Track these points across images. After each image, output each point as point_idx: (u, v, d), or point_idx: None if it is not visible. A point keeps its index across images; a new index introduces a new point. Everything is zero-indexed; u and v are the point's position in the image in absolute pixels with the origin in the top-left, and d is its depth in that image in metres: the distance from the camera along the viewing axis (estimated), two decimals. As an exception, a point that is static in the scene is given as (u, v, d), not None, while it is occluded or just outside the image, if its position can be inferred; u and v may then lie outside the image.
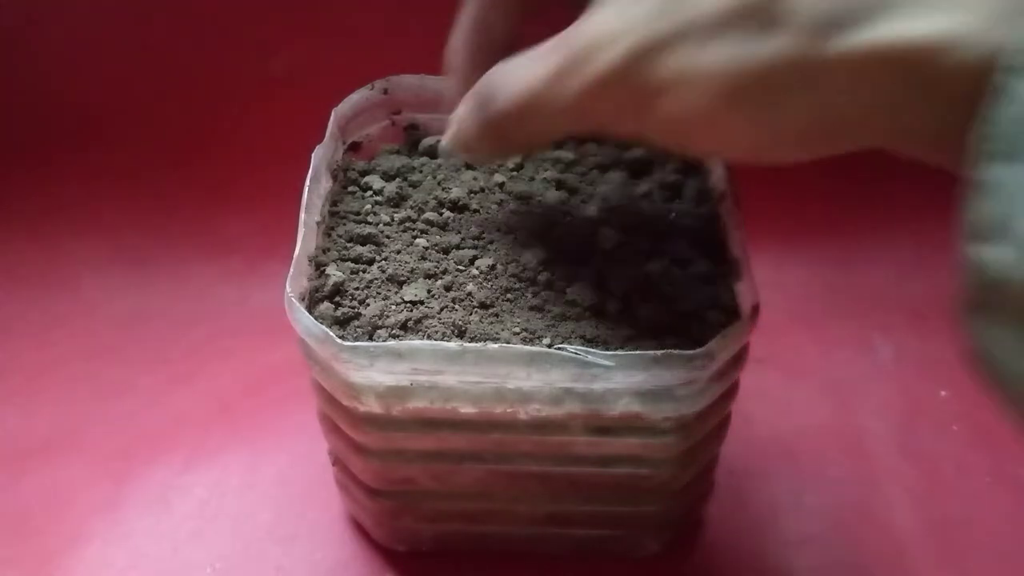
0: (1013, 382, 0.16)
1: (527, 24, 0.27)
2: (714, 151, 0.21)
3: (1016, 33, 0.15)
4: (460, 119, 0.25)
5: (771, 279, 0.37)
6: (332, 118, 0.33)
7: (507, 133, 0.24)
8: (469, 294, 0.28)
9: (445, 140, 0.26)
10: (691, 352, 0.25)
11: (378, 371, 0.25)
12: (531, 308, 0.28)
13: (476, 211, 0.31)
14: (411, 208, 0.31)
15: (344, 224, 0.30)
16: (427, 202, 0.31)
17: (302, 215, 0.29)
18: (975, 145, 0.16)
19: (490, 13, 0.26)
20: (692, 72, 0.19)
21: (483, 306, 0.28)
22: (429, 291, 0.28)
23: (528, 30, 0.26)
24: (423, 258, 0.29)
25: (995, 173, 0.15)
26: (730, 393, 0.29)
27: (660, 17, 0.20)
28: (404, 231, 0.30)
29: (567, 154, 0.33)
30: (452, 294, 0.28)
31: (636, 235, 0.30)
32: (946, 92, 0.17)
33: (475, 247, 0.30)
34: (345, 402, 0.27)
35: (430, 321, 0.27)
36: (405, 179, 0.32)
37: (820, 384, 0.41)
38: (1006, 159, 0.15)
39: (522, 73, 0.23)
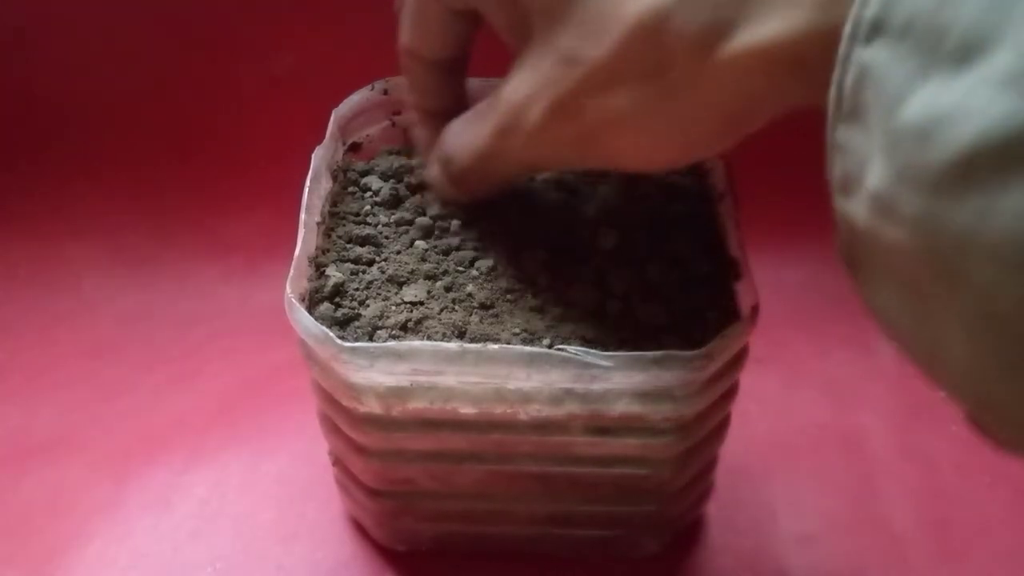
0: (887, 318, 0.18)
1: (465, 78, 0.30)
2: (652, 167, 0.24)
3: (845, 11, 0.17)
4: (433, 179, 0.30)
5: (771, 279, 0.37)
6: (332, 118, 0.33)
7: (472, 184, 0.28)
8: (469, 295, 0.28)
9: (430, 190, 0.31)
10: (691, 353, 0.25)
11: (378, 372, 0.25)
12: (531, 309, 0.28)
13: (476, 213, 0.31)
14: (408, 210, 0.31)
15: (344, 225, 0.30)
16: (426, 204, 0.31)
17: (302, 215, 0.29)
18: (828, 109, 0.18)
19: (430, 81, 0.29)
20: (610, 115, 0.22)
21: (483, 307, 0.28)
22: (429, 292, 0.28)
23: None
24: (423, 259, 0.29)
25: (842, 134, 0.17)
26: (730, 393, 0.29)
27: (563, 78, 0.23)
28: (404, 232, 0.30)
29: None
30: (452, 295, 0.28)
31: (636, 235, 0.30)
32: (812, 72, 0.19)
33: (475, 248, 0.30)
34: (345, 402, 0.27)
35: (430, 322, 0.27)
36: (402, 180, 0.32)
37: (820, 384, 0.41)
38: (850, 120, 0.17)
39: (468, 137, 0.27)
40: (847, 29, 0.17)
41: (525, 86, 0.24)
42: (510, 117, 0.25)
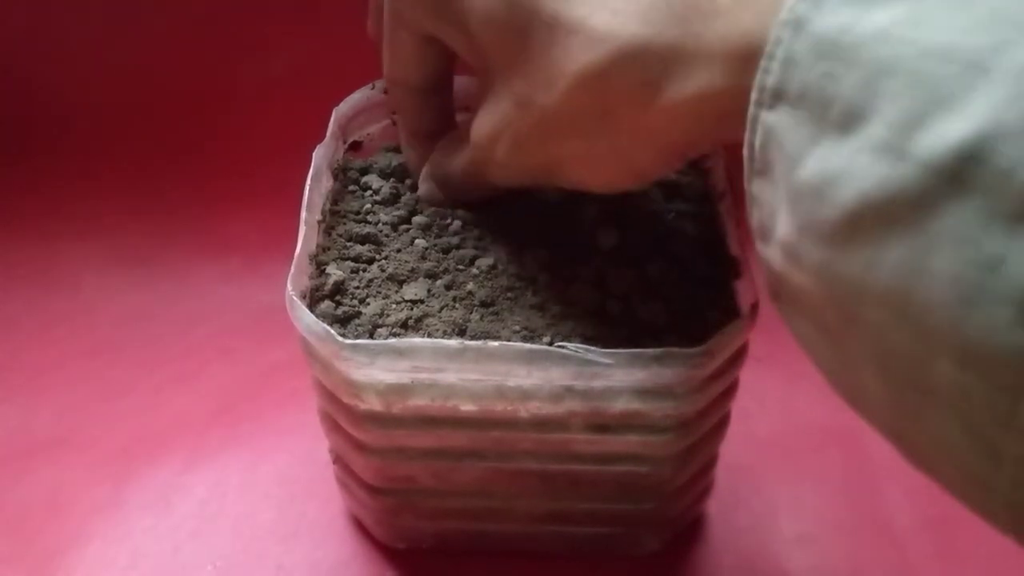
0: (811, 353, 0.21)
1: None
2: (609, 189, 0.26)
3: (758, 81, 0.18)
4: (426, 196, 0.31)
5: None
6: (333, 117, 0.33)
7: (464, 196, 0.31)
8: (470, 293, 0.28)
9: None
10: (691, 350, 0.25)
11: (379, 369, 0.26)
12: (531, 307, 0.28)
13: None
14: (408, 208, 0.31)
15: (344, 223, 0.30)
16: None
17: (303, 214, 0.29)
18: (744, 164, 0.20)
19: (415, 105, 0.31)
20: (564, 152, 0.25)
21: (483, 304, 0.28)
22: (429, 290, 0.28)
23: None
24: (423, 257, 0.29)
25: (756, 187, 0.19)
26: (729, 391, 0.29)
27: (519, 120, 0.25)
28: (404, 231, 0.30)
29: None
30: (452, 293, 0.28)
31: (636, 234, 0.30)
32: (733, 120, 0.20)
33: (476, 247, 0.30)
34: (346, 400, 0.27)
35: (431, 319, 0.27)
36: (403, 180, 0.32)
37: (820, 383, 0.41)
38: (761, 176, 0.19)
39: (453, 165, 0.30)
40: (753, 95, 0.18)
41: (488, 125, 0.26)
42: (479, 152, 0.27)
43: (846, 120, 0.16)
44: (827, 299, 0.18)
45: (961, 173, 0.15)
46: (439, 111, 0.31)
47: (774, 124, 0.18)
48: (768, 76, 0.18)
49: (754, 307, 0.27)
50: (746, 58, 0.19)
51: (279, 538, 0.35)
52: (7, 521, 0.35)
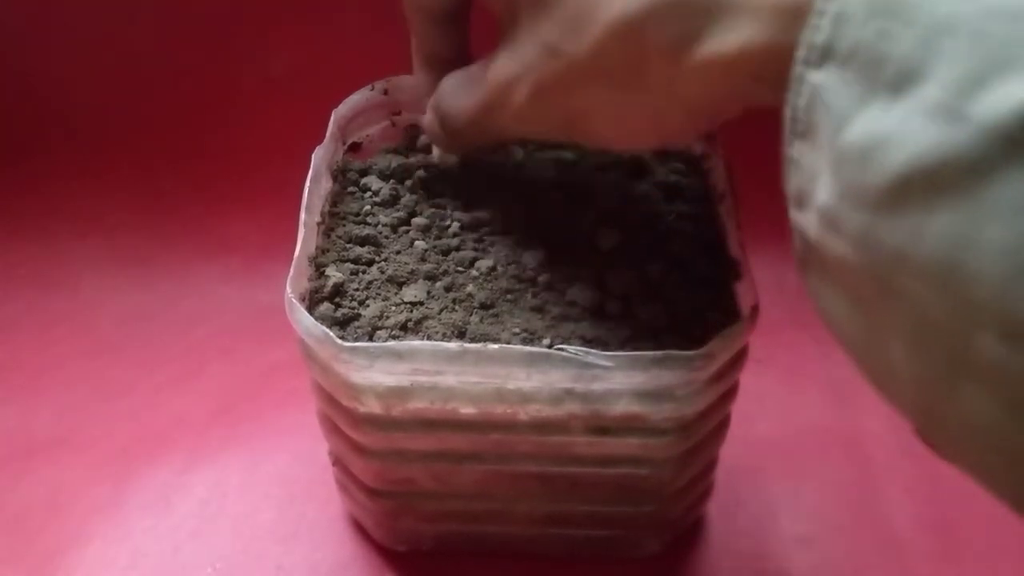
0: (838, 328, 0.20)
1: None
2: (627, 148, 0.26)
3: (798, 35, 0.18)
4: (428, 126, 0.30)
5: (771, 279, 0.37)
6: (332, 119, 0.33)
7: (465, 141, 0.30)
8: (469, 295, 0.28)
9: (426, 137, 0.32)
10: (691, 353, 0.25)
11: (378, 371, 0.25)
12: (531, 309, 0.28)
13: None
14: (408, 210, 0.31)
15: (344, 225, 0.30)
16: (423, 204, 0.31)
17: (302, 215, 0.29)
18: (783, 126, 0.19)
19: (431, 31, 0.30)
20: (588, 105, 0.24)
21: (483, 307, 0.28)
22: (429, 292, 0.28)
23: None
24: (423, 259, 0.29)
25: (796, 150, 0.19)
26: (730, 393, 0.29)
27: (545, 67, 0.24)
28: (404, 232, 0.30)
29: (567, 154, 0.33)
30: (452, 295, 0.28)
31: (636, 235, 0.30)
32: (772, 81, 0.19)
33: (475, 248, 0.30)
34: (345, 402, 0.27)
35: (430, 322, 0.27)
36: (402, 181, 0.32)
37: (820, 384, 0.41)
38: (803, 138, 0.18)
39: (460, 103, 0.28)
40: (800, 52, 0.18)
41: (510, 68, 0.25)
42: (496, 95, 0.26)
43: (899, 80, 0.16)
44: (864, 268, 0.17)
45: (1022, 138, 0.14)
46: (456, 39, 0.30)
47: (821, 83, 0.17)
48: (817, 33, 0.17)
49: (754, 309, 0.27)
50: (794, 13, 0.19)
51: (279, 539, 0.35)
52: (7, 521, 0.35)
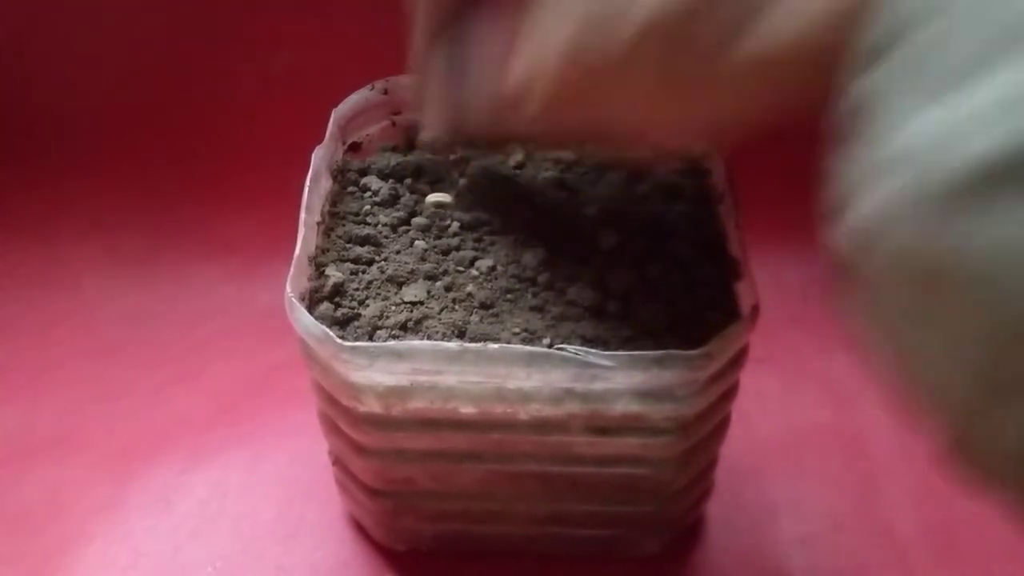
0: (881, 343, 0.18)
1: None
2: (651, 146, 0.25)
3: (863, 33, 0.17)
4: (432, 123, 0.28)
5: (771, 279, 0.37)
6: (332, 119, 0.33)
7: (479, 133, 0.28)
8: (469, 294, 0.28)
9: (424, 136, 0.30)
10: (691, 352, 0.25)
11: (378, 371, 0.25)
12: (531, 308, 0.28)
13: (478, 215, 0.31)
14: (405, 208, 0.31)
15: (344, 225, 0.30)
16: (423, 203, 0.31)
17: (302, 215, 0.29)
18: (829, 129, 0.18)
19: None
20: (623, 97, 0.23)
21: (483, 306, 0.28)
22: (429, 292, 0.28)
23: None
24: (423, 259, 0.29)
25: (843, 153, 0.18)
26: (730, 393, 0.29)
27: (581, 52, 0.22)
28: (404, 232, 0.30)
29: (567, 154, 0.33)
30: (452, 295, 0.28)
31: (636, 235, 0.30)
32: (813, 82, 0.19)
33: (475, 248, 0.30)
34: (345, 402, 0.27)
35: (430, 321, 0.27)
36: (402, 180, 0.32)
37: (821, 384, 0.41)
38: (851, 140, 0.17)
39: (484, 93, 0.26)
40: (856, 48, 0.17)
41: (536, 55, 0.24)
42: (519, 90, 0.25)
43: (962, 77, 0.15)
44: (914, 275, 0.16)
45: None
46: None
47: (872, 85, 0.17)
48: (876, 28, 0.17)
49: (754, 309, 0.27)
50: (851, 8, 0.18)
51: (279, 539, 0.35)
52: (7, 521, 0.35)
